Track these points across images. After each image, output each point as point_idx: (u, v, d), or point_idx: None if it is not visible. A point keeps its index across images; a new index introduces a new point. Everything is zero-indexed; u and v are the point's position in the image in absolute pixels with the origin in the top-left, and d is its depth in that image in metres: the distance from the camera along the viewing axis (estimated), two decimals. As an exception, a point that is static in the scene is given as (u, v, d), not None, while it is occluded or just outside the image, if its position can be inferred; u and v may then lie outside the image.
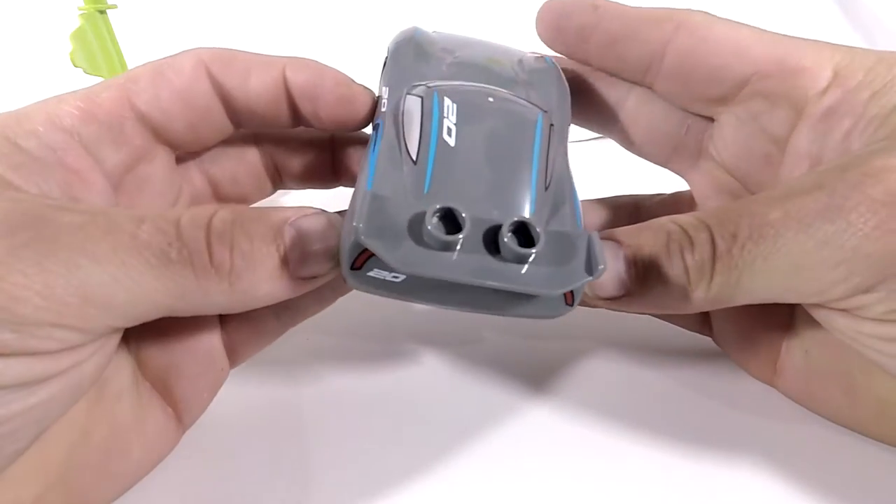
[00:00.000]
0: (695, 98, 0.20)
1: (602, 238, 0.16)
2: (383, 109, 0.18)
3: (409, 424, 0.21)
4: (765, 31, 0.19)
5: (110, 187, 0.18)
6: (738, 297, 0.16)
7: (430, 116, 0.16)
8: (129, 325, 0.15)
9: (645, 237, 0.17)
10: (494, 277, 0.14)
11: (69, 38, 0.32)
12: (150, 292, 0.14)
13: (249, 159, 0.22)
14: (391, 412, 0.21)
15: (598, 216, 0.24)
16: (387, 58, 0.20)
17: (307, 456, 0.20)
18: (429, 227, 0.14)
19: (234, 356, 0.19)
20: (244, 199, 0.22)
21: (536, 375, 0.23)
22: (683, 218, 0.17)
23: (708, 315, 0.23)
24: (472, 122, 0.16)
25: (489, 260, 0.14)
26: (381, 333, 0.25)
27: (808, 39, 0.18)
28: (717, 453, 0.20)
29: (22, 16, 0.48)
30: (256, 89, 0.19)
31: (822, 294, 0.16)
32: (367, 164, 0.16)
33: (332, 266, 0.16)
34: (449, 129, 0.16)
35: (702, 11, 0.19)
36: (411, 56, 0.19)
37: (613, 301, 0.17)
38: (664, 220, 0.17)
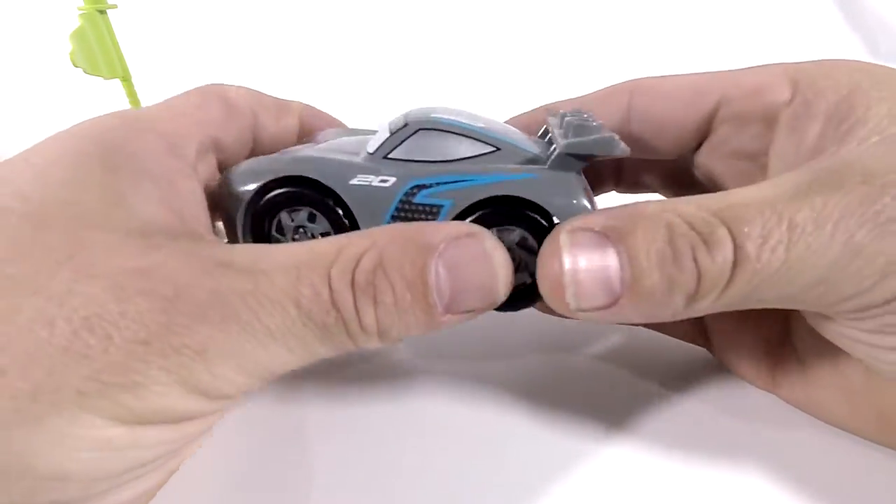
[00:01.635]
0: (672, 145, 0.21)
1: (582, 229, 0.14)
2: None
3: (412, 439, 0.21)
4: (706, 72, 0.20)
5: (204, 200, 0.18)
6: (747, 304, 0.14)
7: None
8: None
9: (641, 234, 0.14)
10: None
11: (69, 38, 0.32)
12: (310, 357, 0.14)
13: None
14: (394, 430, 0.21)
15: None
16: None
17: (307, 462, 0.20)
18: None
19: None
20: None
21: (540, 391, 0.23)
22: (684, 208, 0.14)
23: (704, 326, 0.23)
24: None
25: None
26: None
27: (746, 67, 0.19)
28: (721, 460, 0.20)
29: (22, 16, 0.48)
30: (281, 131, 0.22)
31: (858, 295, 0.13)
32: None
33: (493, 300, 0.14)
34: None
35: (647, 77, 0.21)
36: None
37: (600, 312, 0.14)
38: (656, 207, 0.14)
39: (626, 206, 0.15)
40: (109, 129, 0.16)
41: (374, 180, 0.17)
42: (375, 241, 0.14)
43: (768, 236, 0.13)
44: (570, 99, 0.22)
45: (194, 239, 0.15)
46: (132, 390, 0.12)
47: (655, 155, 0.22)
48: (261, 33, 0.49)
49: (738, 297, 0.14)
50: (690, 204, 0.14)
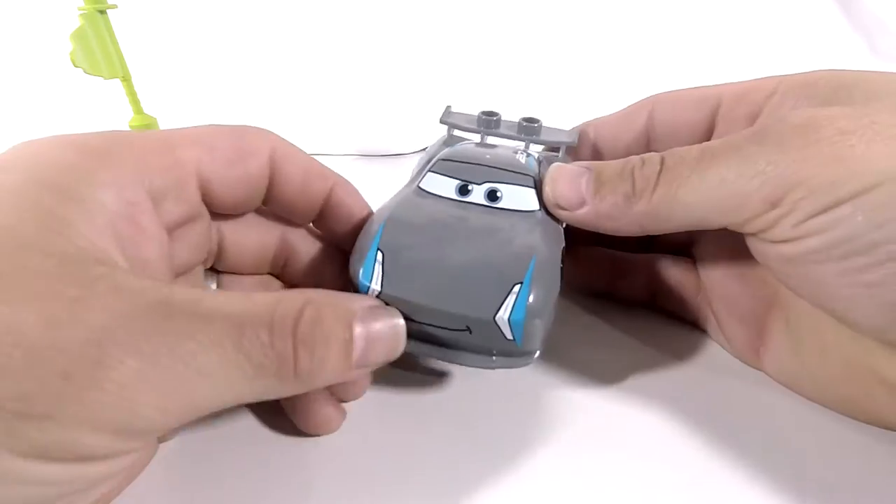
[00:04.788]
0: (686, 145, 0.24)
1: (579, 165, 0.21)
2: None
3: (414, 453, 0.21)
4: (712, 85, 0.24)
5: (167, 240, 0.17)
6: (677, 212, 0.18)
7: None
8: None
9: (609, 163, 0.20)
10: None
11: (69, 38, 0.32)
12: (240, 396, 0.14)
13: (265, 240, 0.22)
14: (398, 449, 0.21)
15: None
16: None
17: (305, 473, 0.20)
18: None
19: None
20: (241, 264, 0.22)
21: (541, 395, 0.23)
22: (643, 154, 0.20)
23: (706, 302, 0.25)
24: None
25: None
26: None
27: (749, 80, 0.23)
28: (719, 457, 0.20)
29: (22, 16, 0.48)
30: (307, 196, 0.20)
31: (738, 210, 0.18)
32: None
33: (392, 358, 0.17)
34: None
35: (664, 92, 0.25)
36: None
37: (573, 213, 0.20)
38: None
39: None
40: (77, 152, 0.15)
41: None
42: (310, 298, 0.15)
43: (685, 155, 0.19)
44: (606, 116, 0.26)
45: (136, 274, 0.14)
46: (38, 422, 0.12)
47: None
48: (262, 33, 0.49)
49: (666, 202, 0.18)
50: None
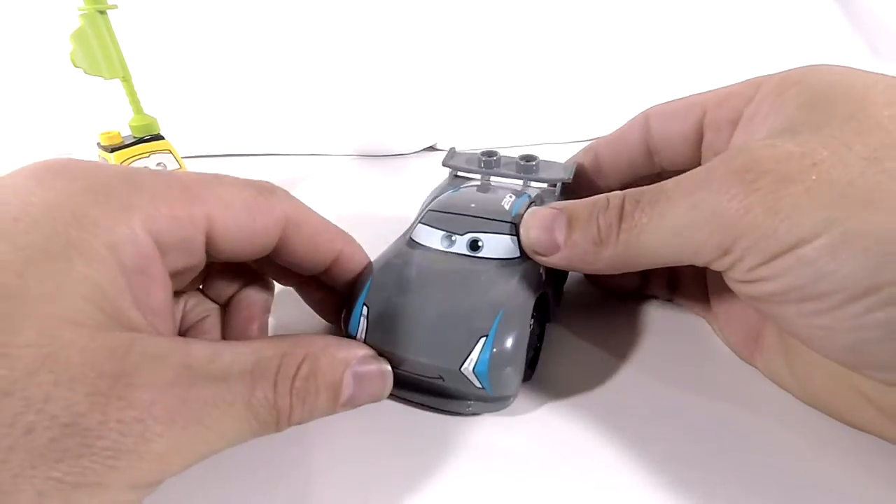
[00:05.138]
0: (681, 156, 0.24)
1: (553, 208, 0.21)
2: None
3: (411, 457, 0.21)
4: (703, 92, 0.24)
5: (171, 287, 0.18)
6: (643, 255, 0.19)
7: None
8: None
9: (580, 205, 0.21)
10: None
11: (69, 38, 0.32)
12: (241, 441, 0.16)
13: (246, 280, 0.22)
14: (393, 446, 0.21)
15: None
16: None
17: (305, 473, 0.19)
18: None
19: None
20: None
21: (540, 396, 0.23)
22: (615, 191, 0.20)
23: (710, 302, 0.26)
24: None
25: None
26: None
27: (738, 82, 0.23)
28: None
29: (22, 16, 0.48)
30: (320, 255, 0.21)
31: (697, 254, 0.18)
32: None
33: (378, 400, 0.19)
34: None
35: (658, 104, 0.25)
36: None
37: (549, 258, 0.21)
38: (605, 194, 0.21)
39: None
40: (94, 200, 0.16)
41: None
42: (308, 352, 0.17)
43: (641, 199, 0.19)
44: (607, 136, 0.27)
45: (158, 337, 0.15)
46: (91, 489, 0.13)
47: (673, 167, 0.25)
48: (262, 34, 0.49)
49: (631, 247, 0.19)
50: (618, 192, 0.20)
